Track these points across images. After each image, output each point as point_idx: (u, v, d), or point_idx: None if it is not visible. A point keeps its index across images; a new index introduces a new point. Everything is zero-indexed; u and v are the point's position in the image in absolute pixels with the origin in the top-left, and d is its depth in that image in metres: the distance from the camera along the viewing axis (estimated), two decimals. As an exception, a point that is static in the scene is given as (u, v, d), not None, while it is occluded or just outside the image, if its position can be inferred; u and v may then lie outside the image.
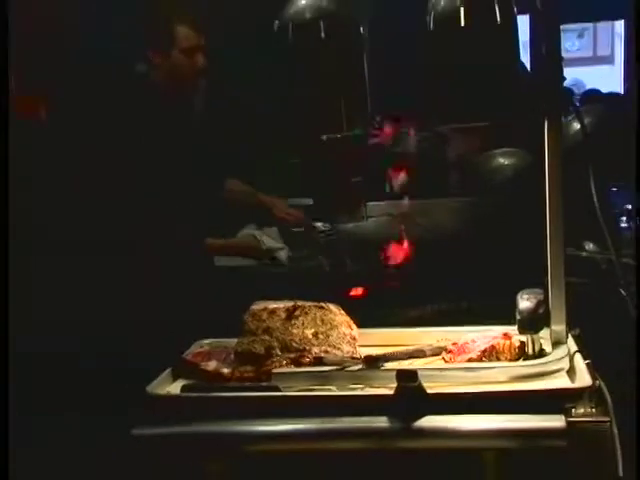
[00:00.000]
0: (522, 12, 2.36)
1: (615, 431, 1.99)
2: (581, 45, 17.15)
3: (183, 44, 3.42)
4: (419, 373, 2.06)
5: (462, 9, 2.20)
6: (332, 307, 2.46)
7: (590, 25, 17.10)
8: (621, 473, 1.98)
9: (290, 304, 2.45)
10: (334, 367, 2.24)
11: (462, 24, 2.21)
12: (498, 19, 2.22)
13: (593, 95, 7.82)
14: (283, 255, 3.57)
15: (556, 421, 2.00)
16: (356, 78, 2.34)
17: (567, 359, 2.22)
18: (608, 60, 16.81)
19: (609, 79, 12.20)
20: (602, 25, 17.22)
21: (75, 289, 2.64)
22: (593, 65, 15.86)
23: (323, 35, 2.23)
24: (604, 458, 1.99)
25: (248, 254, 3.62)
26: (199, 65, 3.46)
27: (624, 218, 3.74)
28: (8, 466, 1.92)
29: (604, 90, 8.43)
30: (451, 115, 2.36)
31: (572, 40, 15.32)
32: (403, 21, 3.10)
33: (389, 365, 2.26)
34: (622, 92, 9.72)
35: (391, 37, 3.55)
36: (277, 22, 2.29)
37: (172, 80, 3.48)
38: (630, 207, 3.89)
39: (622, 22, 12.82)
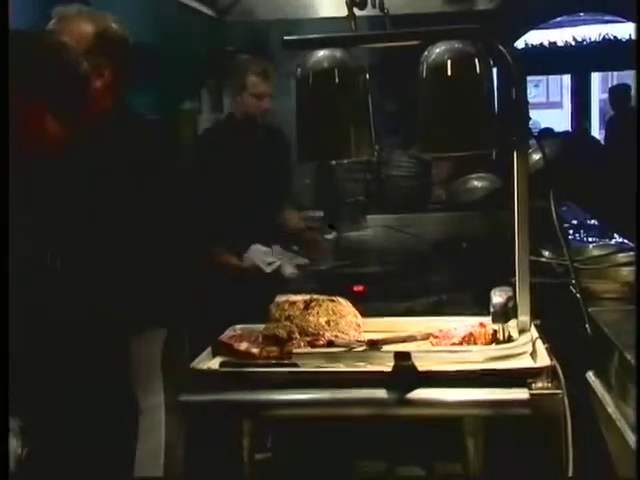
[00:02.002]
0: (494, 66, 2.34)
1: (566, 401, 1.98)
2: (537, 93, 17.23)
3: (252, 90, 3.66)
4: (412, 354, 2.05)
5: (449, 61, 2.18)
6: (341, 300, 2.43)
7: (544, 78, 17.17)
8: (570, 434, 1.96)
9: (307, 297, 2.42)
10: (343, 348, 2.22)
11: (449, 74, 2.18)
12: (478, 70, 2.19)
13: (547, 132, 7.87)
14: (287, 270, 3.48)
15: (521, 393, 1.99)
16: (362, 114, 2.30)
17: (530, 344, 2.20)
18: (558, 105, 16.86)
19: (559, 120, 12.27)
20: (553, 78, 17.28)
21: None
22: (546, 109, 15.94)
23: (337, 80, 2.20)
24: (557, 422, 1.97)
25: (253, 279, 3.48)
26: (265, 107, 3.70)
27: (571, 231, 3.73)
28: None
29: (556, 129, 8.49)
30: (437, 146, 2.33)
31: (530, 89, 15.32)
32: (400, 70, 3.07)
33: (387, 347, 2.22)
34: (570, 130, 9.76)
35: (391, 82, 3.54)
36: (299, 70, 2.26)
37: (245, 116, 3.73)
38: (576, 222, 3.88)
39: (569, 76, 12.91)
